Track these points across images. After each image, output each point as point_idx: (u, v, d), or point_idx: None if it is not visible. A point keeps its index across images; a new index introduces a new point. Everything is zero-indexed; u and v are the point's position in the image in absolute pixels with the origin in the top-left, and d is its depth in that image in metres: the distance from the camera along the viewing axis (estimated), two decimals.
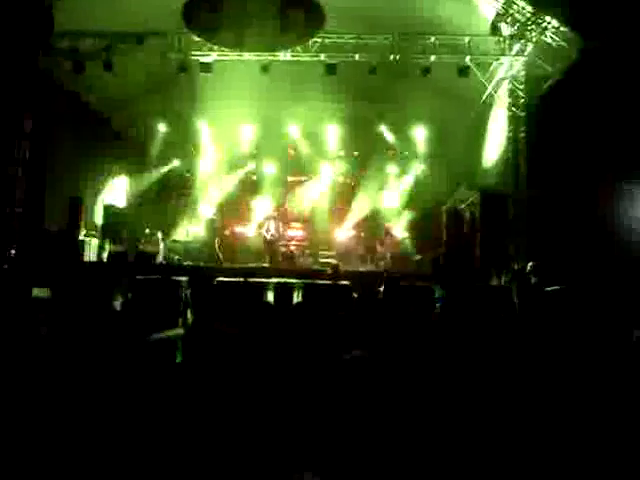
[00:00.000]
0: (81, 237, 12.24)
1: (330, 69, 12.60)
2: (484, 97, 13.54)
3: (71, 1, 11.09)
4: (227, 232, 15.72)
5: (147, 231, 14.20)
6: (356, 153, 17.31)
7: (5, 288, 5.87)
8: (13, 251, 10.71)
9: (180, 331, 3.84)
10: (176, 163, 17.25)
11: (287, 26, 11.45)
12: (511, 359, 3.26)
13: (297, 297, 6.85)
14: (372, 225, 16.10)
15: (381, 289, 5.33)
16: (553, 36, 11.51)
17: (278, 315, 5.02)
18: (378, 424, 2.58)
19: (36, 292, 6.25)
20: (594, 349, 3.44)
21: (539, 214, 11.70)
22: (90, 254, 12.23)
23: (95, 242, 12.60)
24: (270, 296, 7.19)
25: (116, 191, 15.73)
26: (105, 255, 12.35)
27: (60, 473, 2.34)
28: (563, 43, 11.35)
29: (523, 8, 11.55)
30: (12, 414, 2.53)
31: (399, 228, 15.80)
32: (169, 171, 17.12)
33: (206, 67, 12.73)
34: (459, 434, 2.57)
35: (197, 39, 12.44)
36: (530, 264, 8.44)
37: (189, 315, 5.43)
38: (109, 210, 13.78)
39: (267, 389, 2.83)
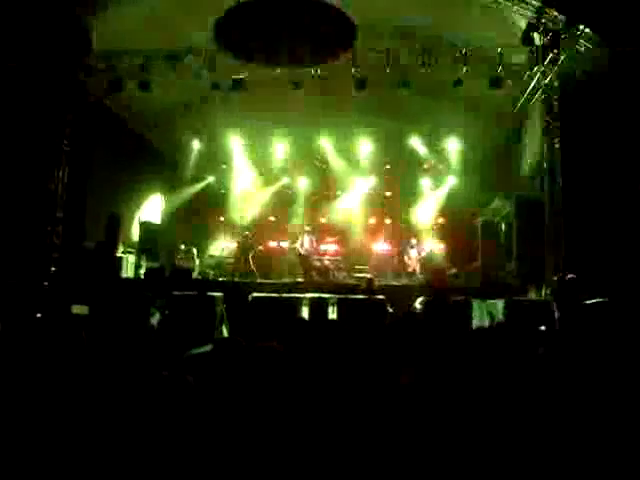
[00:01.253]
0: (119, 254, 12.44)
1: (360, 84, 12.64)
2: (517, 108, 13.40)
3: (107, 20, 11.34)
4: (261, 247, 15.80)
5: (182, 247, 14.37)
6: (388, 167, 17.27)
7: (46, 305, 6.00)
8: (53, 268, 10.95)
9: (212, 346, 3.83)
10: (210, 179, 17.46)
11: (319, 43, 11.52)
12: (553, 376, 3.17)
13: (332, 312, 6.83)
14: (406, 239, 16.01)
15: (417, 304, 5.28)
16: (586, 44, 11.34)
17: (313, 331, 5.00)
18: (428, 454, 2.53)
19: (76, 309, 6.37)
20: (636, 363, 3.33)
21: (577, 224, 11.46)
22: (127, 271, 12.41)
23: (132, 259, 12.79)
24: (305, 311, 7.19)
25: (152, 208, 15.96)
26: (142, 272, 12.51)
27: None
28: (596, 53, 11.17)
29: (555, 17, 11.42)
30: (51, 427, 2.56)
31: (433, 241, 15.68)
32: (204, 187, 17.32)
33: (238, 84, 12.90)
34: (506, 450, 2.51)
35: (230, 57, 12.61)
36: (569, 276, 8.28)
37: (224, 330, 5.46)
38: (145, 227, 13.98)
39: (299, 408, 2.80)
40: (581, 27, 11.21)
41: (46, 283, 10.40)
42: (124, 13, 11.28)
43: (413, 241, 15.32)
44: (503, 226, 12.53)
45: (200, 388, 3.11)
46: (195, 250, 14.34)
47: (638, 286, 8.13)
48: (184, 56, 12.56)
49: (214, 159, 17.25)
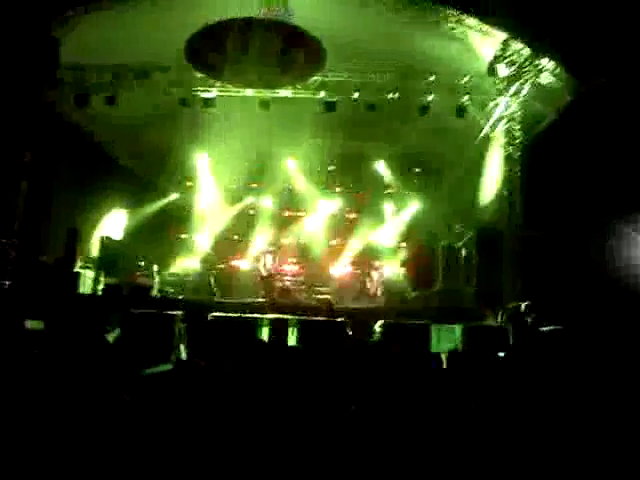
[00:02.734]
0: (77, 269, 12.19)
1: (329, 106, 12.81)
2: (480, 136, 13.72)
3: (77, 35, 11.24)
4: (223, 266, 15.68)
5: (142, 264, 14.17)
6: (353, 189, 17.43)
7: None
8: (7, 282, 10.66)
9: (169, 366, 3.78)
10: (174, 196, 17.32)
11: (288, 65, 11.65)
12: (508, 402, 3.24)
13: (292, 333, 6.82)
14: (367, 262, 16.11)
15: (376, 327, 5.32)
16: (549, 77, 11.72)
17: (272, 353, 4.98)
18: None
19: (30, 324, 6.20)
20: (591, 390, 3.41)
21: (534, 253, 11.73)
22: (85, 286, 12.16)
23: (90, 274, 12.54)
24: (264, 332, 7.17)
25: (114, 223, 15.72)
26: (100, 287, 12.28)
27: None
28: (559, 84, 11.56)
29: (520, 50, 11.79)
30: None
31: (394, 265, 15.81)
32: (167, 204, 17.17)
33: (208, 102, 12.92)
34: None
35: (199, 75, 12.65)
36: (525, 304, 8.44)
37: (182, 349, 5.41)
38: (105, 242, 13.72)
39: (255, 430, 2.79)
40: (545, 60, 11.58)
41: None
42: (93, 28, 11.20)
43: (375, 264, 15.43)
44: (463, 252, 12.73)
45: (153, 407, 3.07)
46: (155, 267, 14.14)
47: (592, 314, 8.33)
48: (152, 72, 12.53)
49: (179, 176, 17.14)
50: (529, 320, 7.84)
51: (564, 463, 2.61)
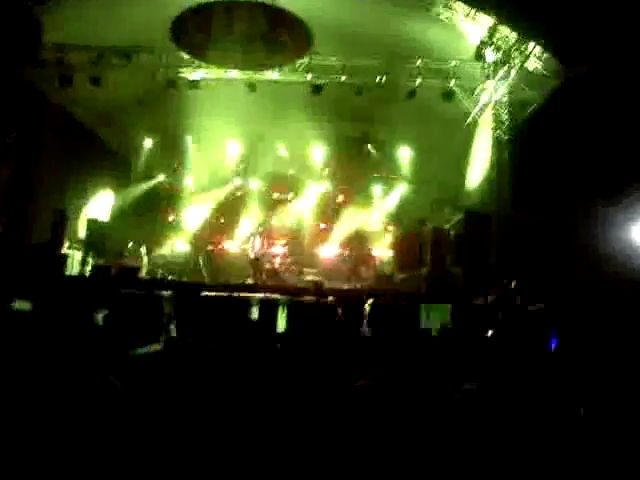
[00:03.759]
0: (64, 250, 12.11)
1: (316, 89, 12.75)
2: (468, 120, 13.73)
3: (60, 14, 11.06)
4: (212, 248, 15.65)
5: (130, 245, 14.11)
6: (341, 172, 17.40)
7: None
8: None
9: (160, 346, 3.79)
10: (162, 178, 17.22)
11: (274, 46, 11.56)
12: (497, 377, 3.27)
13: (281, 313, 6.84)
14: (356, 244, 16.13)
15: (366, 306, 5.35)
16: (536, 62, 11.73)
17: (262, 331, 5.00)
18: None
19: (18, 305, 6.16)
20: (575, 370, 3.46)
21: (521, 235, 11.81)
22: (73, 267, 12.10)
23: (78, 256, 12.46)
24: (254, 311, 7.18)
25: (101, 205, 15.60)
26: (88, 269, 12.22)
27: None
28: (546, 70, 11.57)
29: (507, 35, 11.80)
30: None
31: (382, 247, 15.86)
32: (154, 185, 17.06)
33: (194, 84, 12.80)
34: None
35: (185, 56, 12.51)
36: (514, 283, 8.51)
37: (172, 330, 5.40)
38: (93, 223, 13.63)
39: (247, 407, 2.80)
40: (531, 45, 11.58)
41: None
42: (77, 6, 11.02)
43: (364, 246, 15.47)
44: (452, 233, 12.79)
45: (143, 388, 3.07)
46: (144, 249, 14.08)
47: (576, 294, 8.42)
48: (138, 53, 12.38)
49: (166, 158, 17.04)
50: (517, 299, 7.91)
51: (549, 441, 2.64)
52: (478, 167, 13.55)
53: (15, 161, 11.79)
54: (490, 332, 4.41)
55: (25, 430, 2.40)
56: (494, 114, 12.91)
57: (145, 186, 16.88)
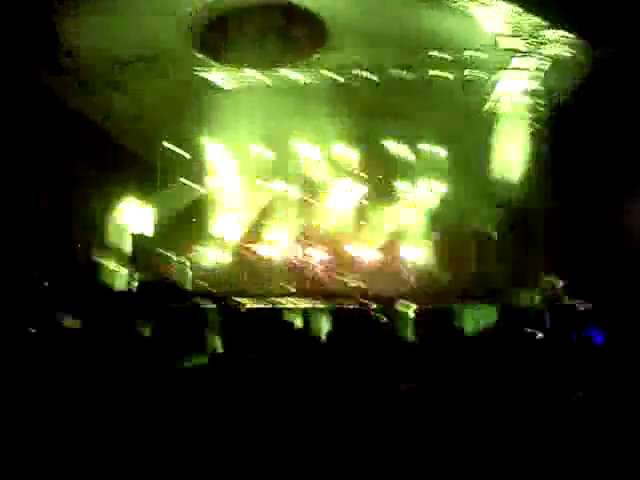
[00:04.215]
0: (110, 267, 12.36)
1: (336, 86, 12.66)
2: (489, 109, 13.44)
3: (79, 20, 11.17)
4: (252, 256, 15.69)
5: (174, 258, 14.30)
6: (373, 171, 17.22)
7: (38, 319, 5.95)
8: (45, 283, 10.86)
9: (206, 359, 3.84)
10: (198, 188, 17.30)
11: (290, 43, 11.55)
12: (550, 382, 3.20)
13: (325, 322, 6.83)
14: (396, 245, 15.97)
15: (409, 312, 5.30)
16: (560, 47, 11.41)
17: (306, 341, 5.00)
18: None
19: (67, 323, 6.32)
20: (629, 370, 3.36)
21: (564, 230, 11.53)
22: (120, 283, 12.33)
23: (124, 271, 12.71)
24: (298, 321, 7.18)
25: (141, 218, 15.82)
26: (134, 284, 12.44)
27: None
28: (571, 54, 11.23)
29: (528, 21, 11.47)
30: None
31: (424, 248, 15.68)
32: (191, 195, 17.15)
33: (214, 87, 12.86)
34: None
35: (204, 59, 12.56)
36: (560, 283, 8.32)
37: (217, 342, 5.45)
38: (137, 238, 13.90)
39: (292, 418, 2.81)
40: (554, 31, 11.28)
41: (36, 297, 10.31)
42: (96, 13, 11.08)
43: (404, 247, 15.33)
44: (493, 231, 12.59)
45: (195, 399, 3.10)
46: (187, 261, 14.26)
47: (625, 290, 8.19)
48: (158, 57, 12.43)
49: (200, 168, 17.10)
50: (564, 299, 7.73)
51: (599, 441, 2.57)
52: (513, 160, 13.28)
53: (56, 182, 12.02)
54: (539, 335, 4.32)
55: (74, 443, 2.46)
56: (523, 104, 12.64)
57: (182, 196, 16.97)
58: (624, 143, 10.56)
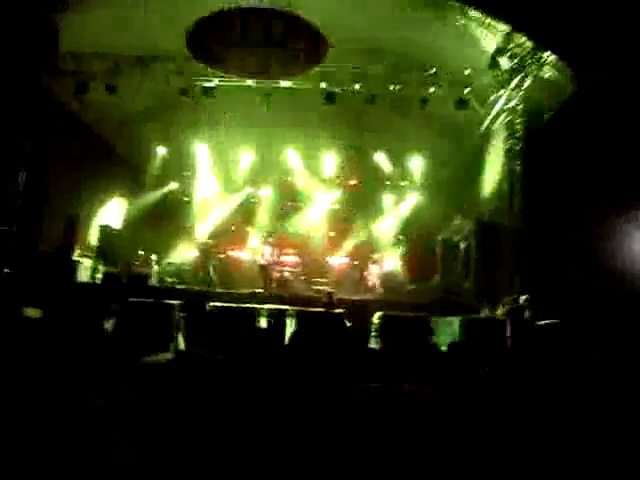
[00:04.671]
0: (76, 257, 12.19)
1: (330, 98, 12.76)
2: (482, 129, 13.68)
3: (77, 22, 11.15)
4: (222, 256, 15.67)
5: (141, 253, 14.17)
6: (352, 181, 17.43)
7: None
8: (6, 270, 10.65)
9: (169, 356, 3.78)
10: (173, 186, 17.28)
11: (289, 56, 11.60)
12: (503, 395, 3.24)
13: (290, 325, 6.83)
14: (366, 253, 16.10)
15: (375, 319, 5.33)
16: (551, 71, 11.65)
17: (271, 342, 4.99)
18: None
19: (28, 312, 6.19)
20: (589, 384, 3.42)
21: (533, 247, 11.70)
22: (84, 275, 12.16)
23: (89, 263, 12.54)
24: (263, 322, 7.17)
25: (112, 212, 15.70)
26: (98, 276, 12.28)
27: None
28: (560, 78, 11.49)
29: (523, 43, 11.71)
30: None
31: (392, 257, 15.82)
32: (166, 194, 17.13)
33: (208, 92, 12.87)
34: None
35: (200, 65, 12.59)
36: (524, 297, 8.44)
37: (181, 339, 5.41)
38: (104, 231, 13.74)
39: (256, 418, 2.78)
40: (547, 54, 11.51)
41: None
42: (94, 15, 11.12)
43: (374, 256, 15.44)
44: (462, 245, 12.72)
45: (151, 398, 3.06)
46: (154, 256, 14.14)
47: (590, 309, 8.34)
48: (153, 61, 12.47)
49: (178, 166, 17.10)
50: (527, 314, 7.85)
51: (561, 458, 2.60)
52: (490, 176, 13.49)
53: (30, 168, 11.89)
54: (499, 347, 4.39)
55: (28, 437, 2.41)
56: (507, 122, 12.84)
57: (157, 194, 16.94)
58: (599, 167, 10.76)
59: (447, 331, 7.41)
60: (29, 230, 11.77)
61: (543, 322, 6.11)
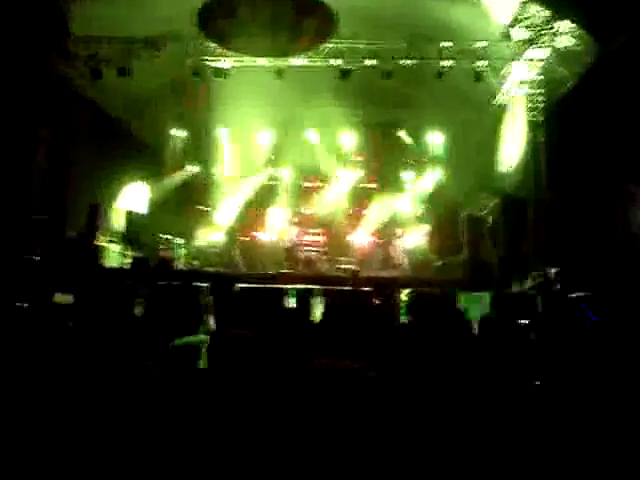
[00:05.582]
0: (103, 243, 12.32)
1: (344, 74, 12.63)
2: (497, 101, 13.47)
3: (88, 7, 11.13)
4: (246, 238, 15.71)
5: (167, 237, 14.27)
6: (373, 158, 17.28)
7: (30, 295, 5.93)
8: (37, 258, 10.82)
9: (202, 337, 3.82)
10: (195, 169, 17.31)
11: (300, 32, 11.48)
12: (535, 368, 3.20)
13: (317, 302, 6.82)
14: (390, 231, 16.02)
15: (402, 296, 5.30)
16: (569, 40, 11.39)
17: (299, 321, 5.00)
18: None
19: (59, 299, 6.29)
20: (620, 358, 3.36)
21: (560, 219, 11.54)
22: (111, 260, 12.30)
23: (117, 248, 12.67)
24: (291, 302, 7.19)
25: (137, 197, 15.79)
26: (127, 261, 12.41)
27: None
28: (579, 47, 11.22)
29: (538, 12, 11.44)
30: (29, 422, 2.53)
31: (417, 234, 15.71)
32: (188, 177, 17.17)
33: (220, 72, 12.81)
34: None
35: (212, 45, 12.53)
36: (553, 270, 8.33)
37: (210, 321, 5.44)
38: (130, 216, 13.86)
39: (286, 396, 2.79)
40: (563, 23, 11.24)
41: (29, 273, 10.27)
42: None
43: (398, 233, 15.36)
44: (488, 219, 12.59)
45: (191, 376, 3.09)
46: (180, 240, 14.23)
47: (619, 281, 8.21)
48: (165, 42, 12.41)
49: (199, 149, 17.11)
50: (557, 287, 7.74)
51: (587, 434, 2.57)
52: (513, 150, 13.29)
53: (50, 156, 12.00)
54: (526, 321, 4.33)
55: (60, 420, 2.44)
56: (528, 94, 12.62)
57: (178, 177, 16.99)
58: (622, 137, 10.52)
59: (477, 306, 7.35)
60: (55, 218, 11.92)
61: (574, 294, 6.02)
